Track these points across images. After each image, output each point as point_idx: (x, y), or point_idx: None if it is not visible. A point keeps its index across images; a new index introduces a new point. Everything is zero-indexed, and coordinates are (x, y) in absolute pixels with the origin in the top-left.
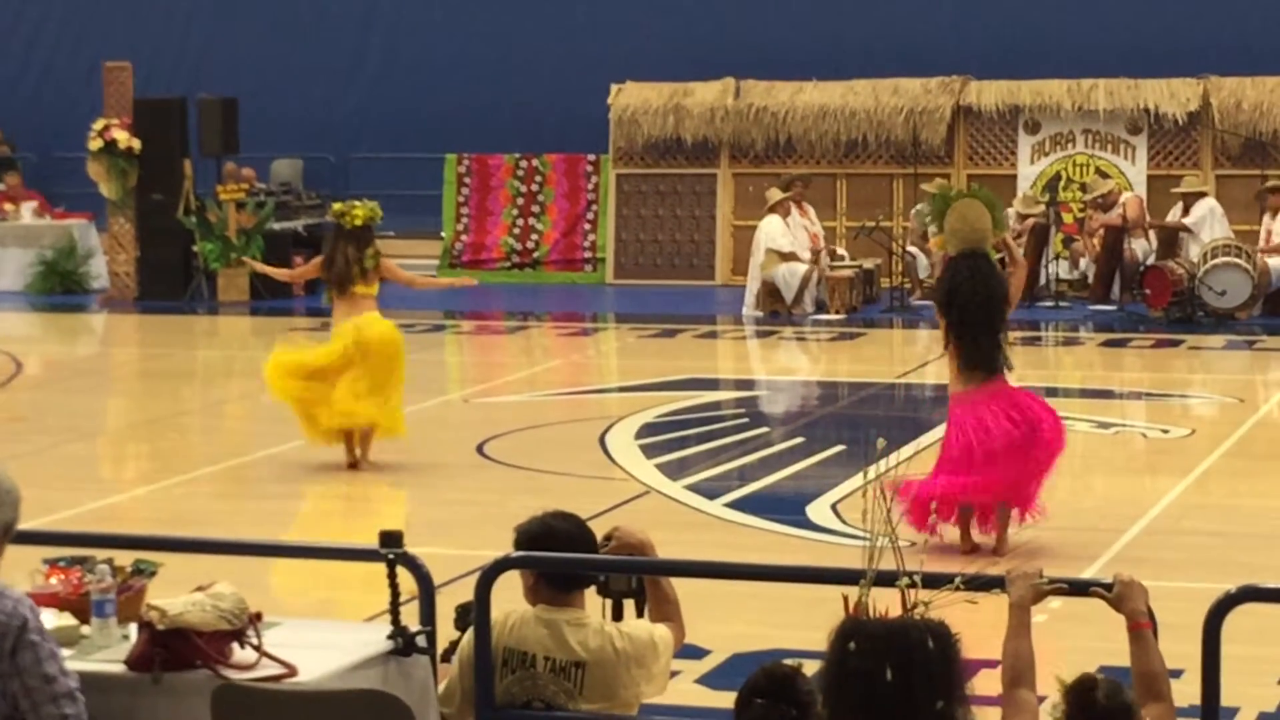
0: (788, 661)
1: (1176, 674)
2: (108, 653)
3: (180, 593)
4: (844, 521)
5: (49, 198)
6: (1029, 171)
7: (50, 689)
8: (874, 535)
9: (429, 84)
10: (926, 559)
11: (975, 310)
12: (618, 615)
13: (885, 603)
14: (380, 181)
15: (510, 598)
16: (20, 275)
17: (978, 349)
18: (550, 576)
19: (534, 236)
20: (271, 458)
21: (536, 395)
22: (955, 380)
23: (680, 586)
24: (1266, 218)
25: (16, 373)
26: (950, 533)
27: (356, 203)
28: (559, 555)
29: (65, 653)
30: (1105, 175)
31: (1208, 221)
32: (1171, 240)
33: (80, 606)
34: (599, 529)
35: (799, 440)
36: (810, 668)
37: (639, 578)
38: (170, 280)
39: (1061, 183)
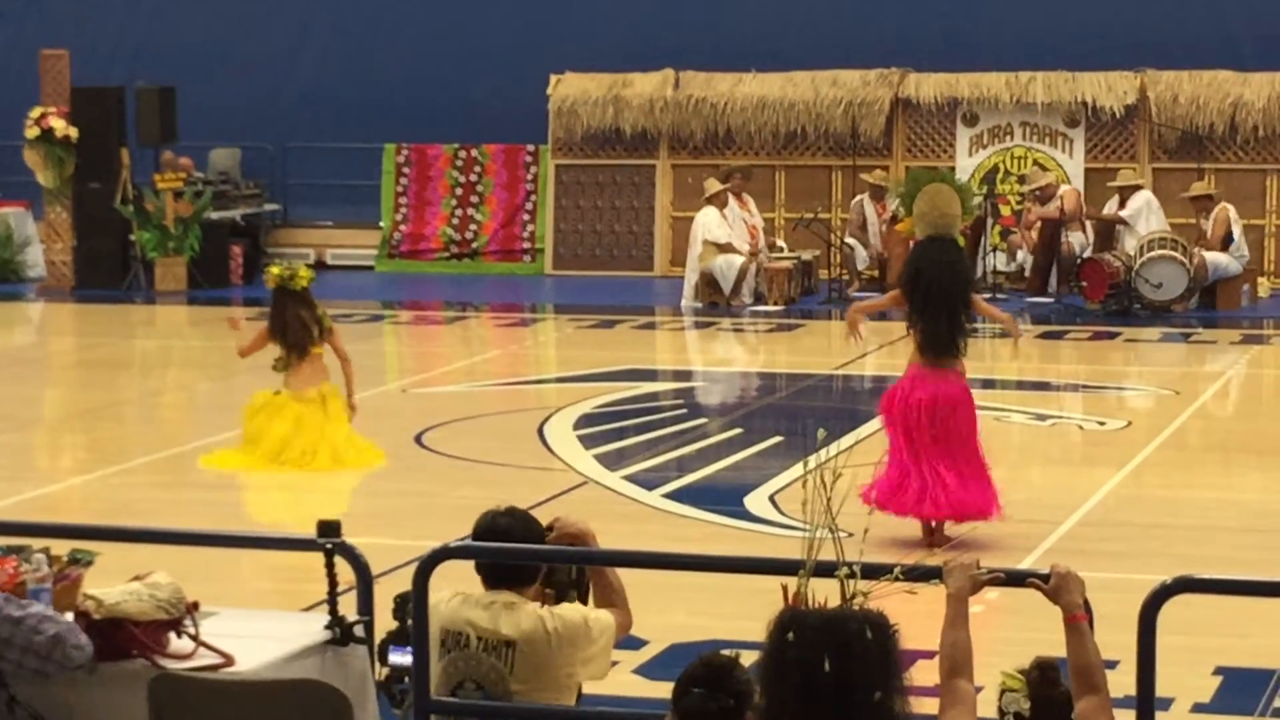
0: (725, 652)
1: (1112, 664)
2: None
3: (117, 582)
4: (782, 512)
5: None
6: (967, 163)
7: (26, 623)
8: (813, 525)
9: (368, 74)
10: (865, 549)
11: (939, 295)
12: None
13: (824, 593)
14: (318, 171)
15: (448, 589)
16: None
17: (937, 333)
18: (488, 571)
19: (473, 227)
20: (208, 447)
21: (475, 385)
22: (912, 364)
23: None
24: (1201, 218)
25: None
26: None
27: (295, 264)
28: (496, 545)
29: None
30: (1044, 168)
31: (1144, 214)
32: (1108, 233)
33: (16, 595)
34: (538, 520)
35: (737, 431)
36: (748, 658)
37: (579, 568)
38: (108, 269)
39: (999, 175)
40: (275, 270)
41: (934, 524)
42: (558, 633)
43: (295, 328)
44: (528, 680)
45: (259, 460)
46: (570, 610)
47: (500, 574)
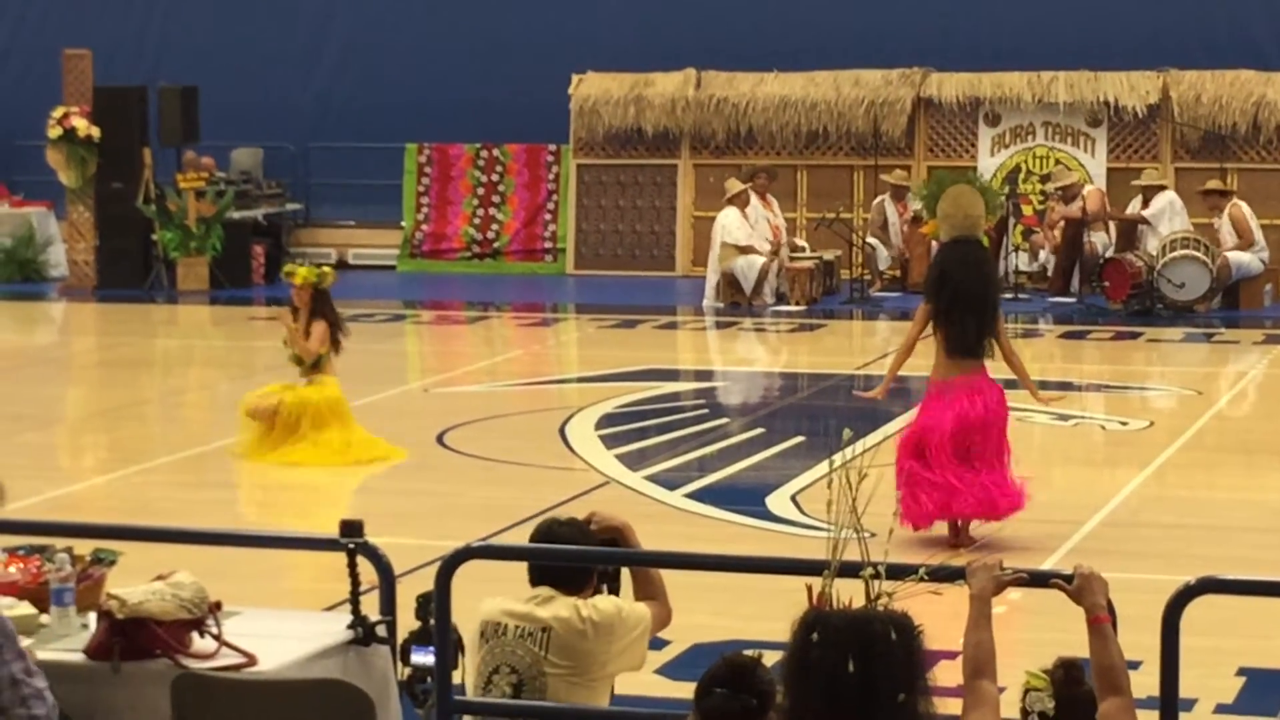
0: (748, 652)
1: (1135, 665)
2: (67, 642)
3: (140, 581)
4: (803, 512)
5: (8, 185)
6: (989, 163)
7: (16, 691)
8: (838, 526)
9: (389, 73)
10: (890, 550)
11: (965, 297)
12: None
13: (849, 593)
14: (340, 171)
15: (471, 589)
16: None
17: (964, 336)
18: (536, 574)
19: (494, 227)
20: (230, 447)
21: (496, 385)
22: (937, 366)
23: None
24: (1215, 218)
25: None
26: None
27: (316, 264)
28: (524, 546)
29: (25, 642)
30: (1068, 168)
31: (1167, 214)
32: (1130, 233)
33: (39, 595)
34: (592, 533)
35: (759, 431)
36: (771, 658)
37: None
38: (130, 269)
39: (1021, 175)
40: (313, 272)
41: (960, 524)
42: (592, 621)
43: (340, 324)
44: (561, 664)
45: (324, 456)
46: (604, 601)
47: (547, 577)
